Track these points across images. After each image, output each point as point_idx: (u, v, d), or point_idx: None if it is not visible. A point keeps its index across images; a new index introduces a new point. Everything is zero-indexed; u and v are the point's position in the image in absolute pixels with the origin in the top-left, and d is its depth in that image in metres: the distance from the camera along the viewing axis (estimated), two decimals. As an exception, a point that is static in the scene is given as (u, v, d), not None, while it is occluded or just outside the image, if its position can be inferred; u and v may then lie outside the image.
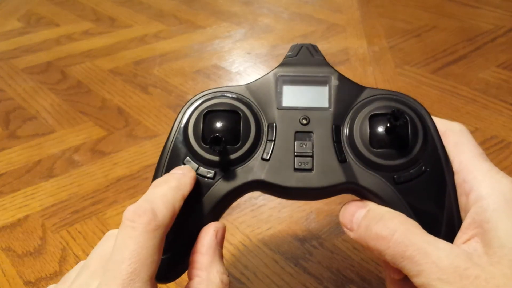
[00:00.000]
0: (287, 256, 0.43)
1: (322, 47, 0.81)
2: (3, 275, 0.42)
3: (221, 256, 0.29)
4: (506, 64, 0.73)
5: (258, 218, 0.47)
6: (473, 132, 0.58)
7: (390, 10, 0.93)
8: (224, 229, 0.30)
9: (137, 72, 0.75)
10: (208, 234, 0.29)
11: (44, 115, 0.65)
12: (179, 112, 0.32)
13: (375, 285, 0.40)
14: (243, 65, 0.76)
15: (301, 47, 0.33)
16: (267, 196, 0.49)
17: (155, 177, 0.31)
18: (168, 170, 0.31)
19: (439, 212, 0.28)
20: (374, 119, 0.30)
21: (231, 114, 0.31)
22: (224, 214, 0.49)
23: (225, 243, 0.44)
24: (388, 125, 0.28)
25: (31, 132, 0.61)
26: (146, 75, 0.74)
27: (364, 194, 0.30)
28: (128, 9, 0.98)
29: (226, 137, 0.29)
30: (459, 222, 0.28)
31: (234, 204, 0.48)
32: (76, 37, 0.87)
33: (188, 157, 0.30)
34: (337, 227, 0.45)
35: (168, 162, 0.31)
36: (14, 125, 0.63)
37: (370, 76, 0.70)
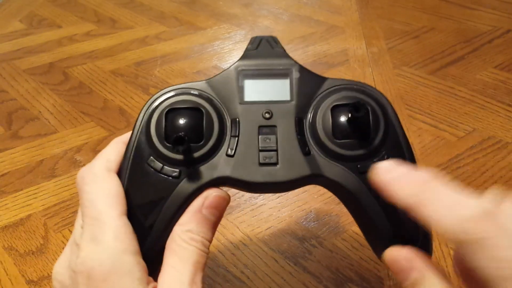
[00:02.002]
0: (286, 255, 0.43)
1: (322, 48, 0.81)
2: (5, 274, 0.43)
3: (204, 221, 0.29)
4: (503, 65, 0.73)
5: (258, 217, 0.47)
6: (471, 132, 0.58)
7: (388, 11, 0.94)
8: (216, 197, 0.29)
9: (138, 73, 0.75)
10: (198, 198, 0.29)
11: (46, 116, 0.65)
12: (140, 111, 0.31)
13: (374, 284, 0.41)
14: (243, 66, 0.77)
15: (261, 39, 0.33)
16: (267, 195, 0.50)
17: (120, 176, 0.30)
18: (132, 171, 0.30)
19: None
20: (335, 110, 0.30)
21: (193, 111, 0.30)
22: (225, 214, 0.49)
23: (226, 242, 0.45)
24: (350, 116, 0.28)
25: (34, 133, 0.62)
26: (147, 76, 0.74)
27: (329, 185, 0.30)
28: (129, 11, 0.98)
29: (189, 135, 0.29)
30: None
31: (234, 204, 0.49)
32: (77, 39, 0.87)
33: (151, 157, 0.30)
34: (336, 226, 0.46)
35: (131, 162, 0.30)
36: (17, 125, 0.63)
37: (369, 77, 0.71)
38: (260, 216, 0.48)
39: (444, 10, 0.93)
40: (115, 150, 0.31)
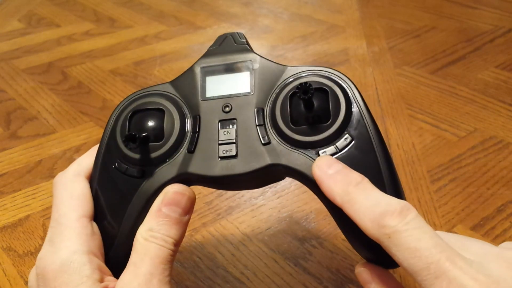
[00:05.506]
0: (287, 256, 0.43)
1: (322, 47, 0.81)
2: (4, 275, 0.42)
3: (165, 218, 0.29)
4: (505, 64, 0.73)
5: (258, 218, 0.47)
6: (472, 132, 0.58)
7: (389, 10, 0.93)
8: (174, 193, 0.29)
9: (137, 73, 0.75)
10: (159, 196, 0.29)
11: (45, 116, 0.65)
12: (110, 117, 0.32)
13: (375, 285, 0.40)
14: (243, 66, 0.76)
15: (226, 36, 0.33)
16: (267, 196, 0.50)
17: (91, 181, 0.32)
18: (101, 174, 0.31)
19: (372, 179, 0.28)
20: (294, 97, 0.30)
21: (155, 112, 0.31)
22: (224, 214, 0.49)
23: (225, 243, 0.44)
24: (300, 99, 0.28)
25: (32, 133, 0.62)
26: (146, 76, 0.74)
27: (291, 174, 0.29)
28: (128, 10, 0.98)
29: (151, 135, 0.30)
30: (395, 184, 0.28)
31: (233, 204, 0.48)
32: (76, 38, 0.87)
33: (118, 160, 0.31)
34: (336, 227, 0.45)
35: (100, 166, 0.31)
36: (15, 125, 0.63)
37: (370, 76, 0.71)
38: (260, 216, 0.47)
39: (445, 9, 0.93)
40: (89, 155, 0.33)
